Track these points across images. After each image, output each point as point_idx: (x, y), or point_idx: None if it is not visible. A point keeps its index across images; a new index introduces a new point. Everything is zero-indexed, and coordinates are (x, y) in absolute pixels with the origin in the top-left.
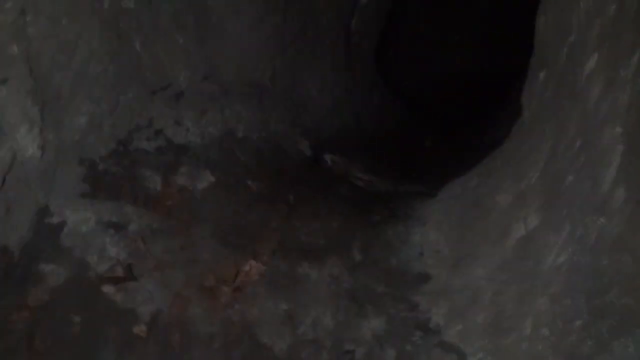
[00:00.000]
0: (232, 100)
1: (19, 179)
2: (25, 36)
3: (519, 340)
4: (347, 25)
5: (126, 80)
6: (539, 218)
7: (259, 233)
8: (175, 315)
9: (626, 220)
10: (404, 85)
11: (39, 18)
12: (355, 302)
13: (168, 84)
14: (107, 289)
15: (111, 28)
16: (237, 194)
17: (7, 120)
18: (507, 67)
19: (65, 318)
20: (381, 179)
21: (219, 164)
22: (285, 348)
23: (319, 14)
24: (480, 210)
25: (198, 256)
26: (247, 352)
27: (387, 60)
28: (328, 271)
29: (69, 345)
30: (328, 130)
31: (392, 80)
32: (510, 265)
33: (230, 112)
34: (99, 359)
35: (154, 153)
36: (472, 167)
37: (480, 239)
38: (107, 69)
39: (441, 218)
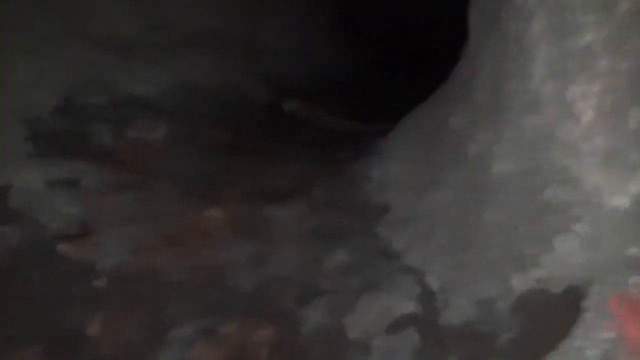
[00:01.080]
0: (187, 49)
1: None
2: None
3: (476, 253)
4: None
5: (71, 31)
6: (488, 135)
7: (222, 180)
8: (142, 266)
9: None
10: (366, 25)
11: None
12: (320, 238)
13: (118, 35)
14: (64, 247)
15: None
16: (197, 143)
17: None
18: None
19: (23, 279)
20: (348, 120)
21: (175, 114)
22: (254, 287)
23: None
24: (437, 137)
25: (159, 208)
26: (217, 295)
27: (349, 3)
28: (293, 211)
29: (32, 306)
30: (289, 76)
31: (356, 19)
32: (466, 183)
33: (186, 62)
34: (66, 318)
35: (104, 107)
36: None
37: (438, 165)
38: (48, 23)
39: (401, 149)
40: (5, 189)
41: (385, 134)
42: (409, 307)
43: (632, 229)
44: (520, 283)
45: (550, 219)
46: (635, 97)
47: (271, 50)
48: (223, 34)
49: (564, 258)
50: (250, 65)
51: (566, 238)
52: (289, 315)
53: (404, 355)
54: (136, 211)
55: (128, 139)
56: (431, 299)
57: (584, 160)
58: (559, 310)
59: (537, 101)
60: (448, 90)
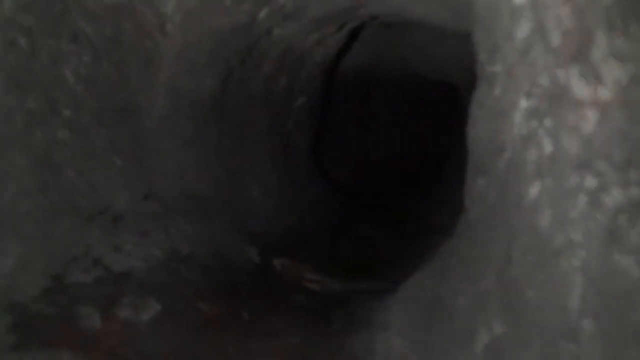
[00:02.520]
0: (174, 216)
1: None
2: None
3: None
4: (284, 127)
5: (59, 211)
6: (503, 326)
7: None
8: None
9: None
10: (342, 178)
11: None
12: None
13: (105, 208)
14: None
15: (43, 161)
16: (187, 319)
17: None
18: (433, 150)
19: None
20: (334, 278)
21: (165, 288)
22: None
23: (255, 122)
24: (443, 313)
25: None
26: None
27: (323, 155)
28: None
29: None
30: (274, 233)
31: (330, 174)
32: None
33: (174, 230)
34: None
35: (92, 285)
36: (424, 260)
37: (446, 344)
38: (38, 203)
39: (404, 322)
40: None
41: (378, 296)
42: None
43: None
44: None
45: None
46: None
47: (256, 210)
48: (208, 197)
49: None
50: (236, 226)
51: None
52: None
53: None
54: None
55: (117, 320)
56: None
57: None
58: None
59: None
60: (448, 264)
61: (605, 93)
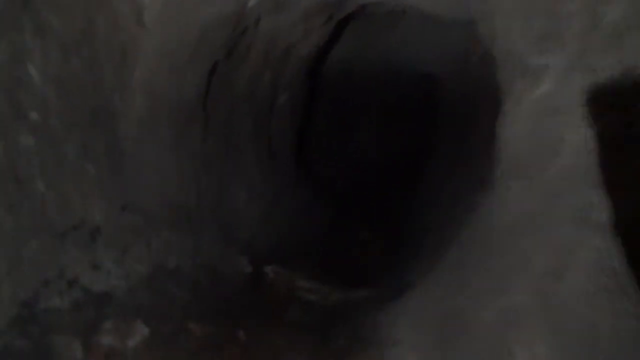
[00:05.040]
0: (157, 228)
1: None
2: None
3: None
4: (268, 127)
5: (27, 228)
6: (547, 347)
7: None
8: None
9: None
10: (329, 178)
11: None
12: None
13: (80, 222)
14: None
15: (6, 172)
16: (178, 344)
17: None
18: (415, 146)
19: None
20: (328, 286)
21: (151, 309)
22: None
23: (239, 123)
24: (462, 328)
25: None
26: None
27: (308, 156)
28: None
29: None
30: (264, 241)
31: (315, 176)
32: None
33: (158, 242)
34: None
35: (69, 311)
36: (429, 268)
37: None
38: (2, 220)
39: (416, 337)
40: None
41: (379, 309)
42: None
43: None
44: None
45: None
46: None
47: (243, 218)
48: (193, 205)
49: None
50: (224, 235)
51: None
52: None
53: None
54: None
55: (100, 349)
56: None
57: None
58: None
59: None
60: (464, 274)
61: None
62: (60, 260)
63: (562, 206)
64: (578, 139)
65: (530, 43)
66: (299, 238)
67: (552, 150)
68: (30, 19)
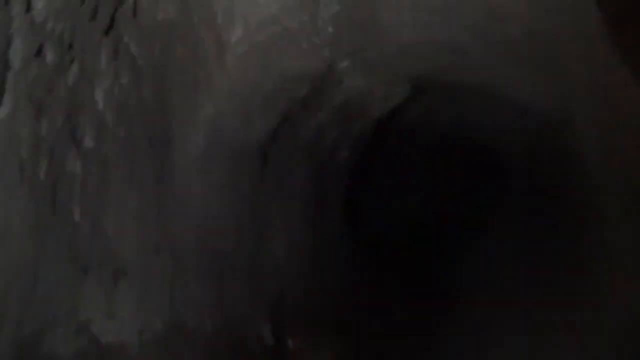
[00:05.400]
0: (186, 276)
1: None
2: None
3: None
4: (323, 182)
5: (50, 257)
6: None
7: None
8: None
9: None
10: (374, 237)
11: None
12: None
13: (106, 258)
14: None
15: (44, 197)
16: None
17: None
18: (469, 215)
19: None
20: None
21: None
22: None
23: (294, 172)
24: None
25: None
26: None
27: (357, 212)
28: None
29: None
30: (293, 302)
31: (361, 231)
32: None
33: (182, 294)
34: None
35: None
36: None
37: None
38: (25, 245)
39: None
40: None
41: None
42: None
43: None
44: None
45: None
46: None
47: (277, 274)
48: (229, 254)
49: None
50: (252, 294)
51: None
52: None
53: None
54: None
55: None
56: None
57: None
58: None
59: None
60: None
61: None
62: (75, 299)
63: None
64: None
65: None
66: (334, 301)
67: None
68: (110, 43)
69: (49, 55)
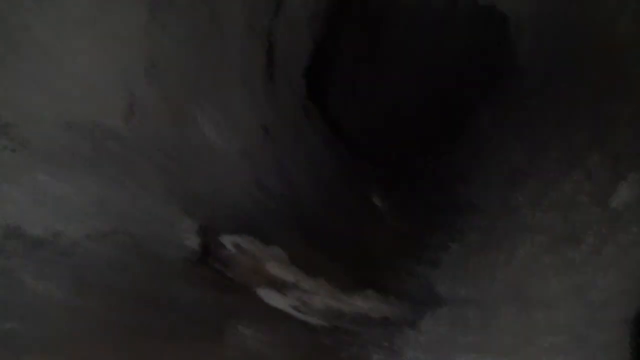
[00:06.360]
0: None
1: None
2: None
3: None
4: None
5: None
6: None
7: None
8: None
9: None
10: (344, 125)
11: None
12: None
13: None
14: None
15: None
16: None
17: None
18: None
19: None
20: (317, 281)
21: None
22: None
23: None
24: None
25: None
26: None
27: (328, 101)
28: None
29: None
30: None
31: (331, 120)
32: None
33: None
34: None
35: None
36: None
37: None
38: None
39: None
40: None
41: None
42: None
43: None
44: None
45: None
46: None
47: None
48: None
49: None
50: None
51: None
52: None
53: None
54: None
55: None
56: None
57: None
58: None
59: None
60: None
61: None
62: None
63: None
64: None
65: None
66: (295, 198)
67: None
68: None
69: None
